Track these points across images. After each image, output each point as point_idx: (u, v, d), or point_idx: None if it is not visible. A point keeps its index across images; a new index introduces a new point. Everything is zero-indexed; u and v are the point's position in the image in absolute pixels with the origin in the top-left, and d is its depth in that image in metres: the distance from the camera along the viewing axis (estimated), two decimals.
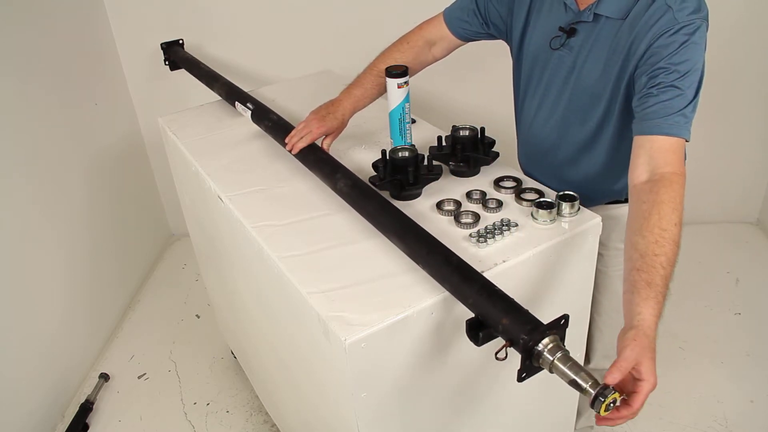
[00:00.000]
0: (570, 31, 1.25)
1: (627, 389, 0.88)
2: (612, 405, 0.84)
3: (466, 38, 1.48)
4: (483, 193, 1.30)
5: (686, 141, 1.10)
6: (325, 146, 1.46)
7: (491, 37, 1.46)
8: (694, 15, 1.11)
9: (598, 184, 1.37)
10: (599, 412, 0.85)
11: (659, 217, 1.00)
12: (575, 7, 1.24)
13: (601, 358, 1.61)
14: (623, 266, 1.02)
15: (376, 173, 1.35)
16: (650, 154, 1.08)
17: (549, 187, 1.35)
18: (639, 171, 1.09)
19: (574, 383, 0.86)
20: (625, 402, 0.87)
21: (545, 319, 0.91)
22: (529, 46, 1.36)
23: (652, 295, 0.94)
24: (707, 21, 1.14)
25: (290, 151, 1.46)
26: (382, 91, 1.47)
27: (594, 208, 1.28)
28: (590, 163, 1.35)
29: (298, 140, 1.44)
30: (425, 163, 1.34)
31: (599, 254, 1.31)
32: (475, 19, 1.43)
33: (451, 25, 1.46)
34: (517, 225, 1.19)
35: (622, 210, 1.39)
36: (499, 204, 1.26)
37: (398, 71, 1.38)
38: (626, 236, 1.05)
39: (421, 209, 1.29)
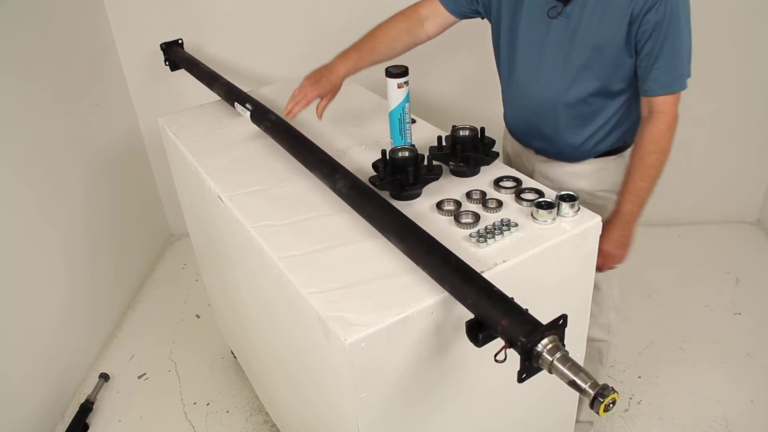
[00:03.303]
0: (565, 0, 1.34)
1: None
2: (611, 405, 0.84)
3: (459, 14, 1.53)
4: (483, 193, 1.30)
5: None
6: (319, 110, 1.51)
7: (479, 15, 1.53)
8: None
9: (601, 138, 1.48)
10: (598, 413, 0.85)
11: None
12: None
13: (597, 328, 1.63)
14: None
15: (376, 173, 1.35)
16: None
17: (546, 148, 1.52)
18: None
19: (573, 384, 0.86)
20: None
21: (545, 319, 0.91)
22: (526, 17, 1.42)
23: (632, 199, 1.40)
24: None
25: (287, 116, 1.50)
26: (377, 57, 1.54)
27: (588, 161, 1.49)
28: (590, 112, 1.45)
29: (294, 105, 1.48)
30: (425, 163, 1.34)
31: (596, 205, 1.39)
32: None
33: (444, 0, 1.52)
34: (517, 225, 1.19)
35: (613, 163, 1.53)
36: (499, 204, 1.26)
37: (398, 71, 1.38)
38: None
39: (421, 209, 1.29)
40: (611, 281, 1.63)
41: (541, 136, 1.53)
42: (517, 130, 1.62)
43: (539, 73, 1.44)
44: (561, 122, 1.46)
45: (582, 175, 1.52)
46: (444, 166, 1.38)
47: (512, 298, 0.96)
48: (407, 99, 1.41)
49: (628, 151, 1.51)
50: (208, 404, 2.13)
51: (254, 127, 1.67)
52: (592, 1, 1.32)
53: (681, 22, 1.29)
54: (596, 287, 1.59)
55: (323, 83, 1.50)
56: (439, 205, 1.28)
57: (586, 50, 1.36)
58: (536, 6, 1.39)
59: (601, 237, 1.26)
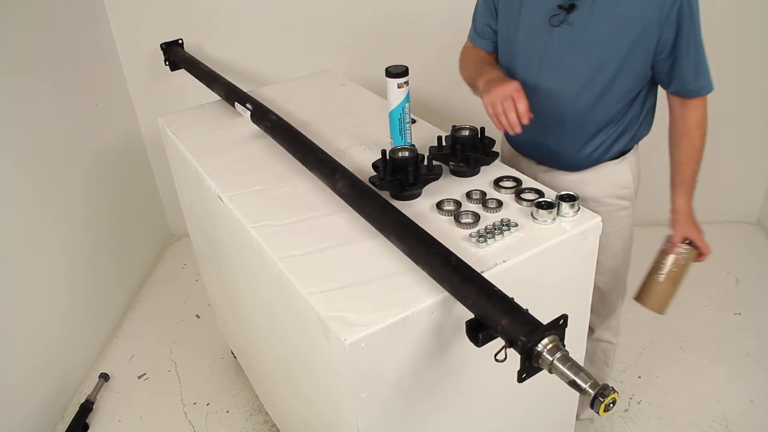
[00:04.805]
0: (569, 8, 1.30)
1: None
2: (611, 405, 0.84)
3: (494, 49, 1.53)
4: (483, 193, 1.30)
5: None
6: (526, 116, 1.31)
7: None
8: None
9: (597, 143, 1.44)
10: (599, 413, 0.85)
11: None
12: None
13: (604, 330, 1.62)
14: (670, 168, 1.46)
15: (376, 173, 1.35)
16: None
17: (550, 160, 1.50)
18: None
19: (573, 384, 0.86)
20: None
21: (545, 319, 0.91)
22: (525, 25, 1.39)
23: (684, 190, 1.48)
24: None
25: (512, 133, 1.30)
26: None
27: (594, 167, 1.47)
28: (597, 122, 1.41)
29: (510, 122, 1.28)
30: (425, 163, 1.34)
31: (602, 212, 1.28)
32: (492, 18, 1.48)
33: (481, 44, 1.54)
34: (517, 225, 1.19)
35: (617, 166, 1.49)
36: (499, 204, 1.26)
37: (398, 71, 1.38)
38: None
39: (421, 209, 1.29)
40: (620, 288, 1.65)
41: (543, 148, 1.50)
42: (517, 142, 1.56)
43: (540, 83, 1.39)
44: (567, 135, 1.43)
45: (585, 182, 1.48)
46: (444, 166, 1.38)
47: (512, 298, 0.96)
48: (407, 99, 1.41)
49: (631, 152, 1.50)
50: (208, 404, 2.13)
51: (254, 127, 1.67)
52: (599, 8, 1.28)
53: (697, 22, 1.29)
54: (605, 293, 1.61)
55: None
56: (439, 205, 1.28)
57: (592, 60, 1.32)
58: (536, 14, 1.36)
59: (696, 235, 1.55)
